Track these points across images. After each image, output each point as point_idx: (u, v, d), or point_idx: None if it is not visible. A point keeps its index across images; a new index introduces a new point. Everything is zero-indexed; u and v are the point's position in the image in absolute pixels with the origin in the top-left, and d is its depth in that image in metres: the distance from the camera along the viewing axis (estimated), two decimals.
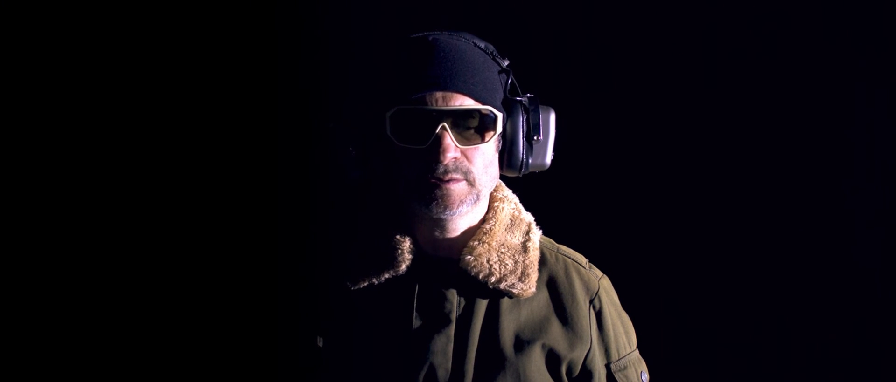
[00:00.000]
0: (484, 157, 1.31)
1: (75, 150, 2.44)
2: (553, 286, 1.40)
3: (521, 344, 1.34)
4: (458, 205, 1.30)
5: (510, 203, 1.43)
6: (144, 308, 2.44)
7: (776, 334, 2.27)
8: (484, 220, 1.39)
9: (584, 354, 1.37)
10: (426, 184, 1.28)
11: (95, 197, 2.42)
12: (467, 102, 1.28)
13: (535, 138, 1.34)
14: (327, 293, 1.40)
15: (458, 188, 1.29)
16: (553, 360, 1.35)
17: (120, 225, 2.44)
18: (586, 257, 1.48)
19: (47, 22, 2.47)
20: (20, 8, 2.37)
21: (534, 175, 1.40)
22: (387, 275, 1.35)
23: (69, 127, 2.53)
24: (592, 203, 2.33)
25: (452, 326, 1.34)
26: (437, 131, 1.26)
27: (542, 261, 1.41)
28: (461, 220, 1.36)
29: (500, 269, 1.34)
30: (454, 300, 1.35)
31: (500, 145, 1.35)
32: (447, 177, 1.27)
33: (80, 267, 2.44)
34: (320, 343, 1.39)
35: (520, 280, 1.35)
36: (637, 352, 1.48)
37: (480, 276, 1.34)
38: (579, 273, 1.42)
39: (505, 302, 1.36)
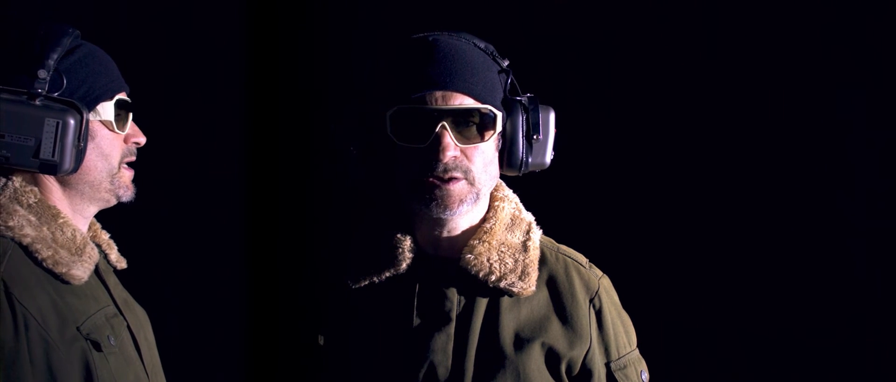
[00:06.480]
0: (484, 156, 1.31)
1: None
2: (553, 285, 1.40)
3: (521, 343, 1.34)
4: (458, 206, 1.30)
5: (511, 202, 1.43)
6: (145, 307, 2.44)
7: (775, 333, 2.27)
8: (484, 219, 1.39)
9: (584, 353, 1.37)
10: (426, 185, 1.29)
11: None
12: (467, 102, 1.29)
13: (535, 137, 1.34)
14: (328, 291, 1.40)
15: (457, 188, 1.29)
16: (553, 359, 1.35)
17: (121, 225, 2.44)
18: (586, 257, 1.48)
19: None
20: None
21: (534, 174, 1.40)
22: (387, 274, 1.35)
23: None
24: (592, 202, 2.33)
25: (452, 324, 1.34)
26: (437, 130, 1.27)
27: (543, 261, 1.41)
28: (462, 219, 1.36)
29: (501, 268, 1.34)
30: (454, 298, 1.35)
31: (500, 144, 1.35)
32: (447, 176, 1.28)
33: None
34: (321, 341, 1.39)
35: (520, 278, 1.35)
36: (637, 351, 1.48)
37: (480, 275, 1.34)
38: (579, 272, 1.42)
39: (505, 300, 1.36)
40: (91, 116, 1.36)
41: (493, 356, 1.33)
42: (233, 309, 2.62)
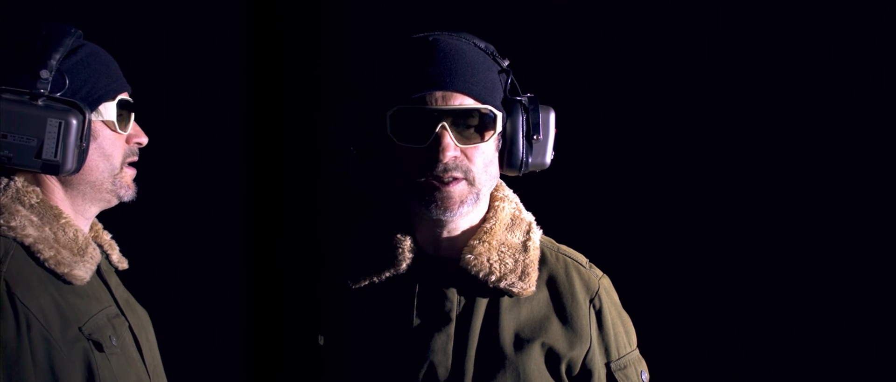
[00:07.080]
0: (484, 156, 1.31)
1: None
2: (553, 285, 1.40)
3: (521, 343, 1.35)
4: (459, 207, 1.30)
5: (511, 202, 1.43)
6: (146, 307, 2.44)
7: (775, 333, 2.27)
8: (484, 219, 1.39)
9: (584, 353, 1.37)
10: (426, 186, 1.29)
11: None
12: (467, 102, 1.29)
13: (535, 137, 1.34)
14: (328, 291, 1.40)
15: (457, 189, 1.29)
16: (553, 359, 1.35)
17: (122, 225, 2.44)
18: (586, 257, 1.48)
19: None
20: None
21: (534, 174, 1.40)
22: (387, 274, 1.35)
23: None
24: (592, 203, 2.33)
25: (452, 324, 1.34)
26: (437, 130, 1.27)
27: (543, 261, 1.41)
28: (462, 220, 1.37)
29: (501, 268, 1.35)
30: (454, 298, 1.35)
31: (500, 144, 1.35)
32: (447, 176, 1.28)
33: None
34: (321, 342, 1.40)
35: (520, 279, 1.35)
36: (637, 352, 1.48)
37: (480, 275, 1.34)
38: (579, 272, 1.42)
39: (505, 300, 1.36)
40: (93, 116, 1.36)
41: (493, 356, 1.33)
42: (233, 309, 2.62)
